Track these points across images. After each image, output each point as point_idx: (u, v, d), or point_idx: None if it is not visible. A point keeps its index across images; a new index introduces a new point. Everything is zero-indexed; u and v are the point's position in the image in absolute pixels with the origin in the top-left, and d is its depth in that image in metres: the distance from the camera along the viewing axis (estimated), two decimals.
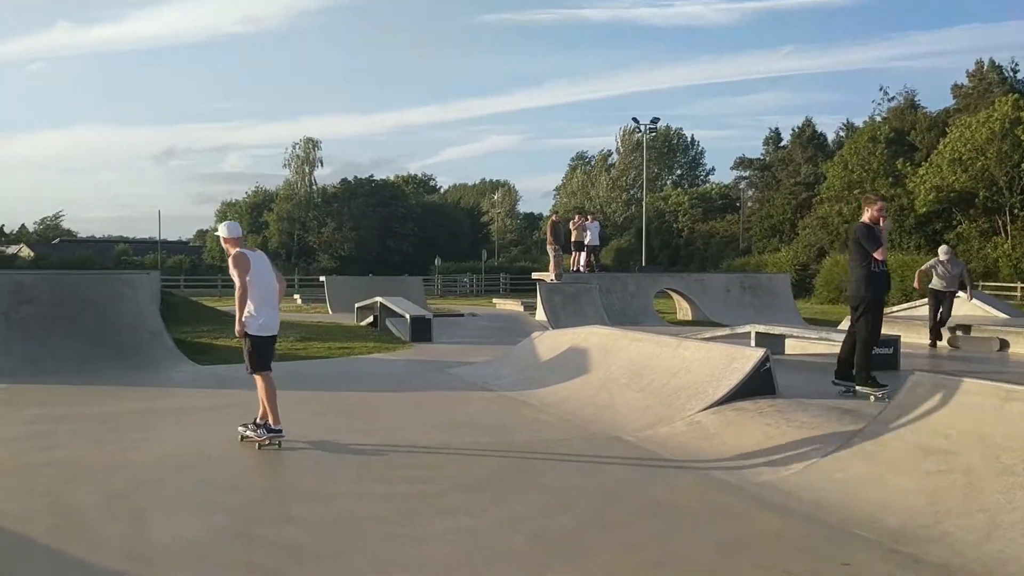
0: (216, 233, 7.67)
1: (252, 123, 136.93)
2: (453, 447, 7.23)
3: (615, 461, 6.71)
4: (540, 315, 20.10)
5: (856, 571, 4.28)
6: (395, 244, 63.07)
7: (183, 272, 55.63)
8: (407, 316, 17.26)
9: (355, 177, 67.62)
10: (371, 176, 68.23)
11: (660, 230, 62.52)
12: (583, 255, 23.86)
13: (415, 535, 4.83)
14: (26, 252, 61.96)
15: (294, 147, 67.50)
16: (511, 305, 27.28)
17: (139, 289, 13.76)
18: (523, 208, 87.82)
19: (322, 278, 30.10)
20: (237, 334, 7.31)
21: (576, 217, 24.53)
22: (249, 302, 7.14)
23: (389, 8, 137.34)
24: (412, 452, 7.03)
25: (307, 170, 67.22)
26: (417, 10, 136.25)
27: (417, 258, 59.01)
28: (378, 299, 19.39)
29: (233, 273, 7.11)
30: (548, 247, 22.19)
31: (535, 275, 23.94)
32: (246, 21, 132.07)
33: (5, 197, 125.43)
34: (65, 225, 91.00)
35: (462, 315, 22.61)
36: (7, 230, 78.12)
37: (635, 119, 49.48)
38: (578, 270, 23.96)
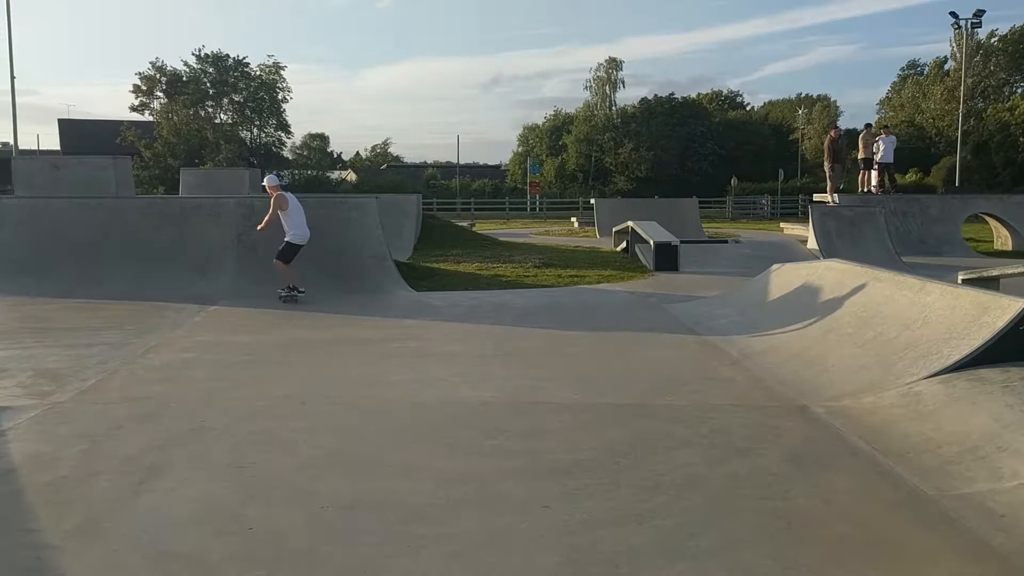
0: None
1: (573, 47, 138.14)
2: (588, 404, 6.01)
3: (766, 447, 5.11)
4: (812, 243, 17.72)
5: None
6: (694, 164, 60.51)
7: (486, 195, 57.65)
8: (651, 242, 15.86)
9: (655, 96, 65.60)
10: (671, 94, 65.78)
11: (1003, 145, 54.28)
12: (873, 174, 20.72)
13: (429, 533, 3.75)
14: (352, 177, 67.45)
15: (596, 68, 66.59)
16: (799, 230, 24.67)
17: (366, 213, 13.62)
18: (845, 124, 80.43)
19: (592, 200, 29.14)
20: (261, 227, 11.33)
21: (864, 129, 21.30)
22: (292, 223, 11.15)
23: None
24: (531, 408, 5.90)
25: (608, 91, 66.14)
26: None
27: (716, 178, 56.21)
28: (629, 223, 18.10)
29: (273, 206, 11.17)
30: (825, 164, 19.45)
31: (816, 196, 21.27)
32: None
33: (351, 127, 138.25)
34: (394, 151, 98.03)
35: (725, 241, 20.68)
36: (345, 157, 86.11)
37: (953, 13, 42.58)
38: (868, 191, 20.91)
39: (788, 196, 46.14)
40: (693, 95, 72.73)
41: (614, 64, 64.91)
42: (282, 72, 57.87)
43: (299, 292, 11.11)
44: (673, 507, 4.12)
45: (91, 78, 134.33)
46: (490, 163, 79.91)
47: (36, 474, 4.51)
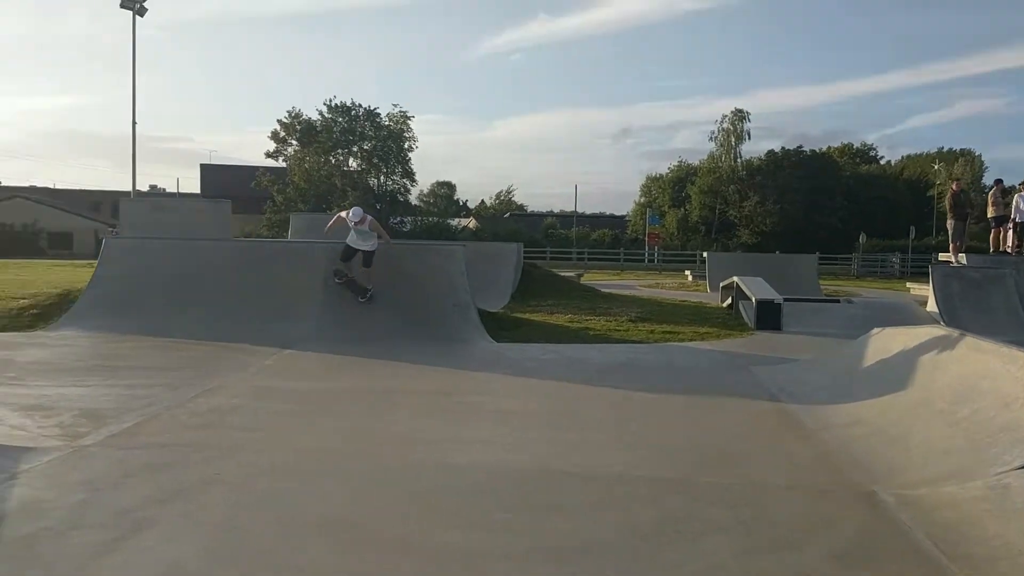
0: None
1: (706, 99, 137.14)
2: (625, 476, 5.49)
3: (812, 539, 4.47)
4: (932, 305, 16.46)
5: None
6: (822, 219, 58.31)
7: (604, 245, 57.30)
8: (753, 299, 15.08)
9: (782, 148, 63.88)
10: (799, 147, 63.93)
11: None
12: (1011, 233, 19.18)
13: None
14: (472, 224, 68.37)
15: (722, 119, 65.53)
16: (925, 291, 23.11)
17: (453, 260, 13.46)
18: (991, 180, 76.04)
19: (704, 253, 28.30)
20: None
21: (995, 186, 19.80)
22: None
23: None
24: (562, 477, 5.42)
25: (733, 143, 64.89)
26: None
27: (845, 234, 53.98)
28: (735, 278, 17.32)
29: (380, 230, 12.70)
30: (948, 221, 18.13)
31: (941, 255, 19.87)
32: None
33: (481, 176, 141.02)
34: (518, 199, 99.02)
35: (837, 301, 19.52)
36: (471, 204, 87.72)
37: None
38: (1003, 251, 19.38)
39: (921, 255, 43.74)
40: (824, 148, 70.62)
41: (740, 115, 63.64)
42: (409, 122, 59.37)
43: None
44: None
45: (239, 125, 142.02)
46: (616, 213, 79.39)
47: (20, 524, 4.35)
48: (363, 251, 12.47)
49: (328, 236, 13.11)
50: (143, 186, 66.86)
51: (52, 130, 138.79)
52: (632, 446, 6.39)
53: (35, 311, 12.95)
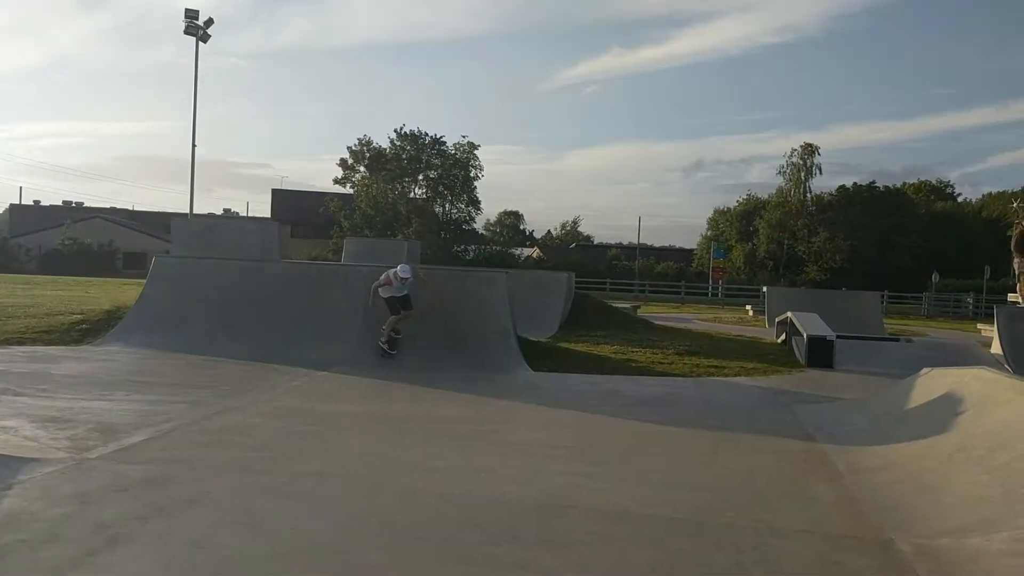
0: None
1: (782, 133, 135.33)
2: (632, 514, 5.24)
3: None
4: (997, 347, 15.73)
5: None
6: (894, 257, 56.83)
7: (668, 278, 56.72)
8: (804, 335, 14.59)
9: (854, 184, 62.59)
10: (872, 182, 62.54)
11: None
12: None
13: None
14: (536, 254, 68.40)
15: (791, 153, 64.55)
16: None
17: (495, 288, 13.33)
18: None
19: (764, 288, 27.67)
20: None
21: None
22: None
23: (952, 2, 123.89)
24: (565, 512, 5.20)
25: (803, 177, 63.79)
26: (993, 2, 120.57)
27: (919, 272, 52.40)
28: (788, 314, 16.82)
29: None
30: (1014, 262, 17.34)
31: (1010, 296, 19.03)
32: (783, 31, 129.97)
33: (551, 206, 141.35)
34: (586, 231, 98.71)
35: (897, 339, 18.82)
36: (537, 235, 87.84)
37: None
38: None
39: (996, 295, 42.07)
40: (899, 184, 68.90)
41: (810, 149, 62.60)
42: (476, 151, 59.87)
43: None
44: None
45: (314, 152, 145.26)
46: (685, 247, 78.42)
47: None
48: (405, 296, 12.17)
49: (374, 305, 12.05)
50: (218, 209, 68.71)
51: (135, 154, 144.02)
52: (647, 483, 6.14)
53: (85, 326, 13.23)
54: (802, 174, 63.68)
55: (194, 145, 36.01)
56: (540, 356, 13.03)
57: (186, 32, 34.11)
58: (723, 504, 5.63)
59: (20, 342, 12.08)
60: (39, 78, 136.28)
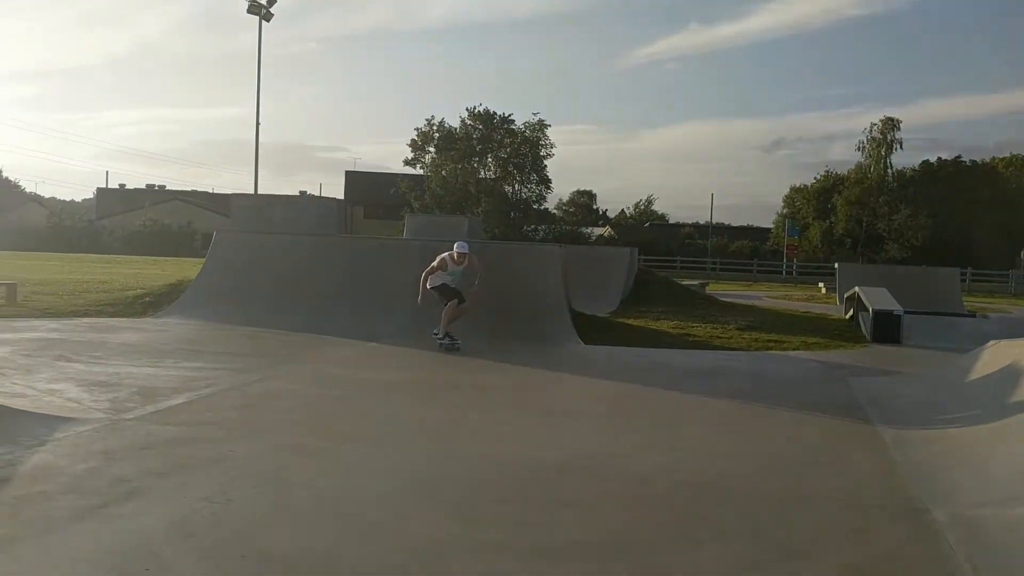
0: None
1: (864, 109, 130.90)
2: (651, 477, 5.11)
3: (826, 553, 4.00)
4: None
5: None
6: (981, 233, 54.60)
7: (742, 256, 55.72)
8: (870, 310, 14.12)
9: (938, 159, 60.31)
10: (957, 157, 60.18)
11: None
12: None
13: None
14: (608, 233, 67.90)
15: (870, 128, 62.52)
16: None
17: (549, 261, 13.23)
18: None
19: (836, 264, 26.84)
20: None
21: None
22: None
23: None
24: (582, 473, 5.10)
25: (883, 152, 61.73)
26: None
27: (1010, 249, 50.29)
28: (856, 289, 16.30)
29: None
30: None
31: None
32: (869, 1, 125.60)
33: (627, 185, 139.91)
34: (660, 210, 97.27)
35: (973, 315, 18.07)
36: (611, 214, 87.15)
37: None
38: None
39: None
40: (988, 159, 66.11)
41: (891, 124, 60.51)
42: (546, 129, 59.50)
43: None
44: None
45: (387, 135, 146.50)
46: (764, 225, 76.57)
47: (20, 486, 4.43)
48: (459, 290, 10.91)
49: (423, 301, 10.83)
50: (294, 191, 69.91)
51: (216, 139, 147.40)
52: (677, 449, 5.99)
53: (148, 299, 13.59)
54: (882, 149, 61.66)
55: (258, 123, 37.05)
56: (595, 330, 12.88)
57: (248, 11, 34.57)
58: (752, 471, 5.46)
59: (86, 314, 12.48)
60: (125, 66, 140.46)
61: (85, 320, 11.88)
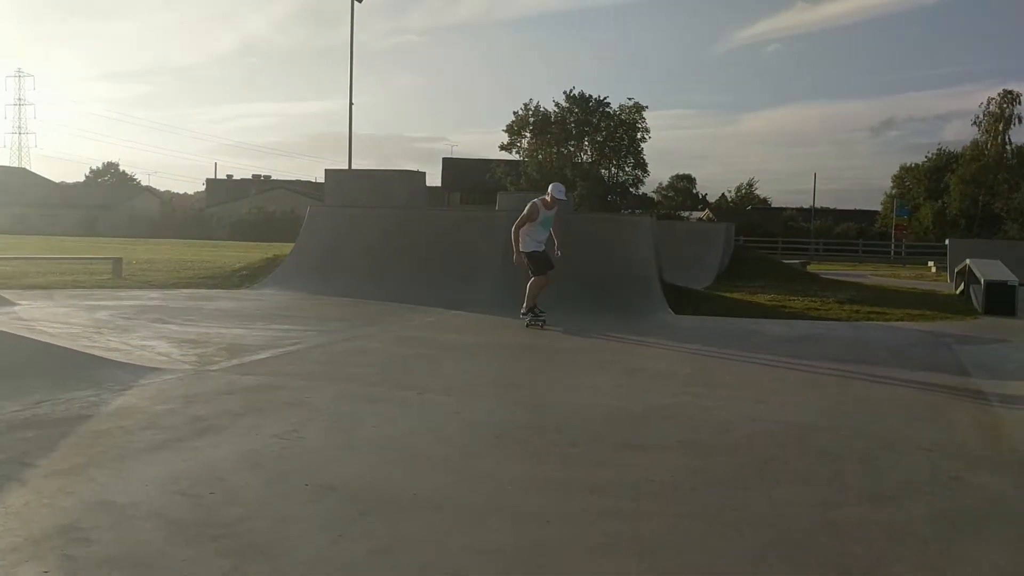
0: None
1: (982, 87, 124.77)
2: (731, 424, 4.90)
3: (919, 499, 3.75)
4: None
5: None
6: None
7: (850, 237, 53.96)
8: (981, 281, 13.37)
9: None
10: None
11: None
12: None
13: None
14: (707, 215, 66.72)
15: (987, 103, 59.51)
16: None
17: (639, 232, 13.00)
18: None
19: (947, 240, 25.60)
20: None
21: None
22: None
23: None
24: (656, 422, 4.94)
25: (1000, 128, 58.69)
26: None
27: None
28: (967, 261, 15.49)
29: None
30: None
31: None
32: None
33: (729, 171, 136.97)
34: (762, 193, 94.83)
35: None
36: (711, 198, 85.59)
37: None
38: None
39: None
40: None
41: (1010, 97, 57.44)
42: (642, 112, 58.72)
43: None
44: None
45: (485, 123, 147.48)
46: (872, 209, 73.76)
47: (101, 422, 4.56)
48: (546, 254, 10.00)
49: (518, 262, 9.93)
50: None
51: (320, 131, 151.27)
52: (762, 402, 5.76)
53: (245, 273, 13.95)
54: (1000, 124, 58.63)
55: (351, 104, 37.55)
56: (687, 302, 12.55)
57: None
58: (840, 422, 5.21)
59: (186, 286, 12.89)
60: (232, 63, 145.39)
61: (184, 291, 12.27)
